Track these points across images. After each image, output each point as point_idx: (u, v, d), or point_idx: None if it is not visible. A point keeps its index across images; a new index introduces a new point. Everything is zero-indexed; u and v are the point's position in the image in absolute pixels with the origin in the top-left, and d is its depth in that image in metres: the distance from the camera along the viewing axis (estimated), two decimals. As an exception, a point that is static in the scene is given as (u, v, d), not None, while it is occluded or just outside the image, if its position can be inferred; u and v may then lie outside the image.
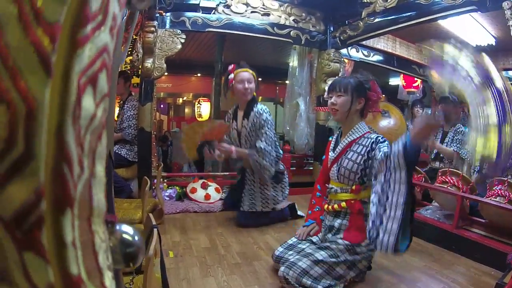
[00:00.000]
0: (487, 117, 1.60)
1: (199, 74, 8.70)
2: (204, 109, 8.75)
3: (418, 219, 2.81)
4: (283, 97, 5.52)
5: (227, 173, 4.07)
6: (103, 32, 0.34)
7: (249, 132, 2.79)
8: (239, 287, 1.88)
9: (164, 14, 3.36)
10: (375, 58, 4.79)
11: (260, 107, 2.77)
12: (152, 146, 3.44)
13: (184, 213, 3.20)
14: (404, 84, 6.38)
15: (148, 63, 3.24)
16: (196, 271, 2.03)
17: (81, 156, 0.33)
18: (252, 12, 3.68)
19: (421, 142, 1.61)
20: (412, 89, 6.28)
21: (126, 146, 3.16)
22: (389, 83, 8.85)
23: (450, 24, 3.92)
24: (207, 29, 3.54)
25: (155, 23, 3.19)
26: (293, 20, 3.92)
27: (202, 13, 3.51)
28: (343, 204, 1.89)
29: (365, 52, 4.67)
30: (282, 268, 1.78)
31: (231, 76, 2.78)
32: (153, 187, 3.02)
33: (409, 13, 3.13)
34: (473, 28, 4.05)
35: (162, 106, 10.19)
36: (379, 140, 1.79)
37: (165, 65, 3.37)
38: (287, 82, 5.29)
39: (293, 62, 5.05)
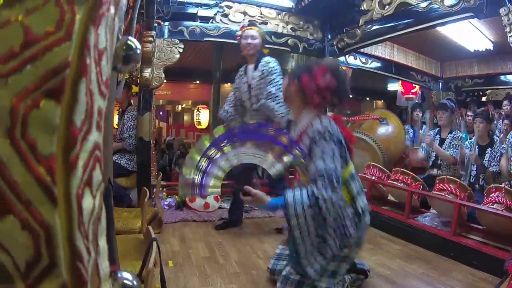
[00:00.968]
0: None
1: (197, 82, 8.75)
2: (203, 116, 8.79)
3: (416, 226, 2.83)
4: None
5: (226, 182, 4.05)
6: (92, 134, 0.40)
7: (258, 81, 2.92)
8: (237, 296, 1.89)
9: (162, 23, 3.38)
10: (373, 65, 4.80)
11: (268, 58, 2.94)
12: (152, 155, 3.44)
13: (183, 222, 3.21)
14: (403, 90, 6.40)
15: (147, 73, 3.25)
16: (196, 281, 2.04)
17: (87, 245, 0.41)
18: (249, 21, 3.71)
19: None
20: (411, 95, 6.30)
21: (126, 156, 3.17)
22: (388, 89, 8.89)
23: (448, 30, 3.95)
24: (205, 39, 3.58)
25: (153, 32, 3.20)
26: (291, 28, 3.95)
27: (200, 22, 3.54)
28: None
29: (363, 59, 4.68)
30: (278, 284, 1.77)
31: (239, 32, 3.02)
32: (153, 196, 3.03)
33: (406, 21, 3.14)
34: (471, 34, 4.08)
35: (161, 113, 10.24)
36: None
37: (163, 74, 3.39)
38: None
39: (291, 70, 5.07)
